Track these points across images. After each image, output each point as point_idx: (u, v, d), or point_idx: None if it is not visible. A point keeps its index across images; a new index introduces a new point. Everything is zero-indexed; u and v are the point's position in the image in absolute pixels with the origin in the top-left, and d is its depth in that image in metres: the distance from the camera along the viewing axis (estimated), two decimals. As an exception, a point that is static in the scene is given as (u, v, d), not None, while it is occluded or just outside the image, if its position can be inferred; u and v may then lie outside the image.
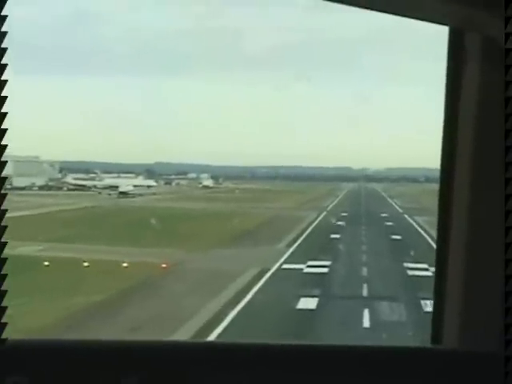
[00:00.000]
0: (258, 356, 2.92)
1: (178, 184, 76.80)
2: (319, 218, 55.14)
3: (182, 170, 76.10)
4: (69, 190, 58.08)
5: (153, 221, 40.29)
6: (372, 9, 2.82)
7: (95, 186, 58.00)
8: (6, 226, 2.25)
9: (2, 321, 2.25)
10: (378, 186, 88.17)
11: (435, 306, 3.29)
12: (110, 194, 56.19)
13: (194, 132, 67.84)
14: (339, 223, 51.47)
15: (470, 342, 3.05)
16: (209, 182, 74.31)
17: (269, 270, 32.16)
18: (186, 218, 47.79)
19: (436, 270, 3.26)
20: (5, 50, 2.25)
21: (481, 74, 2.95)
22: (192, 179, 75.87)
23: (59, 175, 60.28)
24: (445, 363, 2.97)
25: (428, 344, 3.33)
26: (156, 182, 71.80)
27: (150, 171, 74.34)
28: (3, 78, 2.25)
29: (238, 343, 3.04)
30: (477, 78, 2.96)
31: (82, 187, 57.30)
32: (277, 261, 34.21)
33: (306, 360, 2.91)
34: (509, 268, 2.26)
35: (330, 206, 68.66)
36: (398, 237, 43.71)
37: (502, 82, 2.27)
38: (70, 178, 59.72)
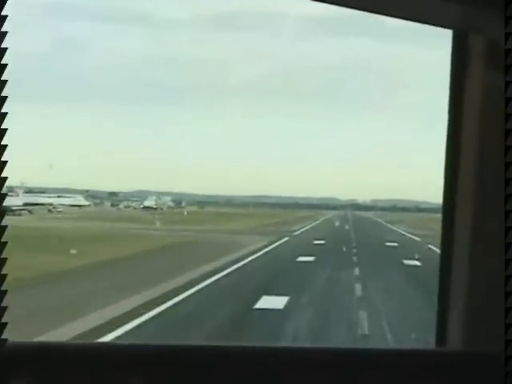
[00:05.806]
0: (263, 359, 2.93)
1: (126, 206, 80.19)
2: (270, 247, 36.07)
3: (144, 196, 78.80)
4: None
5: None
6: (374, 12, 2.89)
7: None
8: (5, 226, 2.32)
9: (2, 321, 2.34)
10: (367, 214, 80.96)
11: (439, 307, 3.33)
12: None
13: (179, 162, 71.19)
14: (303, 259, 28.36)
15: (473, 343, 3.12)
16: (152, 204, 73.34)
17: None
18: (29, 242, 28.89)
19: (440, 273, 3.30)
20: (5, 49, 2.32)
21: (481, 75, 3.02)
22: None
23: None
24: (449, 365, 3.03)
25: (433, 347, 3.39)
26: (99, 202, 78.39)
27: (112, 194, 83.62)
28: (3, 78, 2.33)
29: (244, 346, 3.04)
30: (477, 78, 3.03)
31: None
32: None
33: (308, 363, 2.91)
34: (509, 268, 2.35)
35: (301, 230, 51.27)
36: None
37: (501, 82, 2.38)
38: None
